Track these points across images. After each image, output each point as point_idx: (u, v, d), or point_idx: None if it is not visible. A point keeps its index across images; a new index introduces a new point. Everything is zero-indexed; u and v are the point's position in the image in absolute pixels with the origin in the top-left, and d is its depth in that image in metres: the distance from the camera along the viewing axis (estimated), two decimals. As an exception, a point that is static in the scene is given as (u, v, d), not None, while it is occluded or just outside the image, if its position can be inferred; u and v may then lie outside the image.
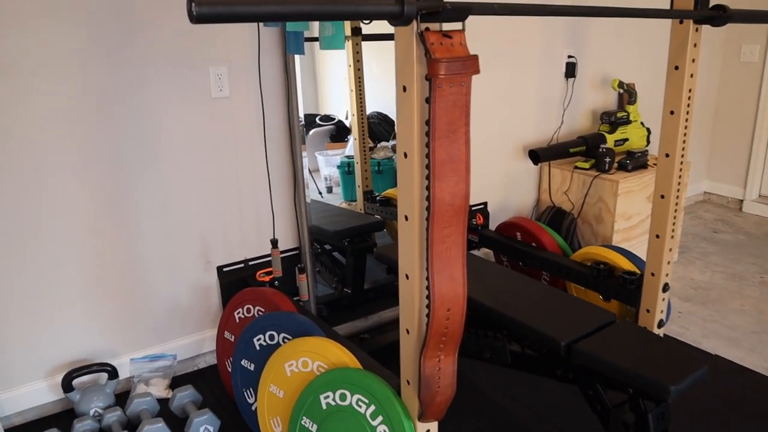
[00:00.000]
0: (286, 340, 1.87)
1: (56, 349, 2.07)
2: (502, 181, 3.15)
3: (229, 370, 2.17)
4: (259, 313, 2.06)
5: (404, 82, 1.31)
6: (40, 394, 2.05)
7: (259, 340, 1.93)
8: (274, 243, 2.18)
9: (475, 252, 3.00)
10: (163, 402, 2.11)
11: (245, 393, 1.99)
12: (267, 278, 2.27)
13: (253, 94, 2.23)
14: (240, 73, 2.19)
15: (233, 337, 2.15)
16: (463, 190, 1.34)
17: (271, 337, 1.90)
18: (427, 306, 1.41)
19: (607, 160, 2.99)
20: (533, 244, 2.74)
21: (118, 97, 1.99)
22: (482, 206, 3.07)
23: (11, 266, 1.93)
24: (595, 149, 3.15)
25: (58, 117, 1.90)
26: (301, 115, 2.36)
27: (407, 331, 1.49)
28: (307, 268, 2.36)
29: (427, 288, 1.43)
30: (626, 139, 3.26)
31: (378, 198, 3.42)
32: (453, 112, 1.29)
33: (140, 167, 2.08)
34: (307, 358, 1.75)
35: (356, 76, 3.45)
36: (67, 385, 1.98)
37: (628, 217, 3.00)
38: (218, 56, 2.13)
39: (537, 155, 3.01)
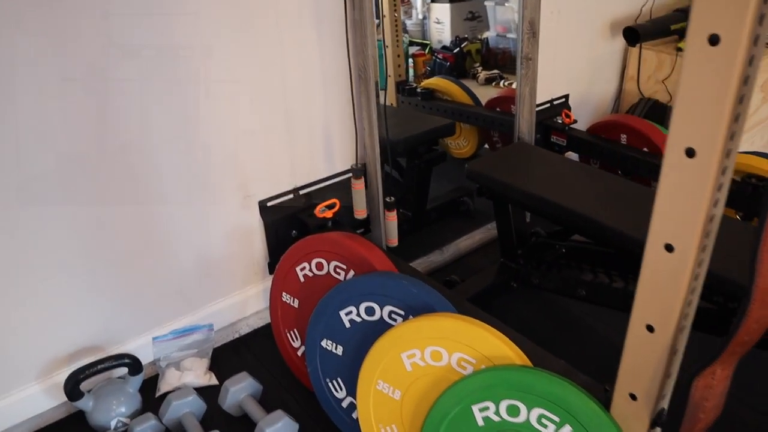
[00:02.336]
0: (395, 317, 1.30)
1: (49, 336, 1.44)
2: (586, 67, 2.51)
3: (295, 345, 1.60)
4: (338, 271, 1.46)
5: None
6: (35, 400, 1.45)
7: (349, 314, 1.35)
8: (359, 171, 1.53)
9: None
10: (207, 393, 1.54)
11: (330, 384, 1.43)
12: (329, 213, 1.65)
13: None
14: None
15: (296, 301, 1.56)
16: None
17: (370, 311, 1.32)
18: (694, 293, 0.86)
19: (723, 37, 2.36)
20: (645, 149, 2.16)
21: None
22: (563, 100, 2.44)
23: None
24: (698, 24, 2.52)
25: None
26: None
27: (649, 328, 0.93)
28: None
29: (704, 265, 0.87)
30: (729, 11, 2.62)
31: (419, 90, 2.73)
32: None
33: (150, 65, 1.36)
34: (439, 347, 1.19)
35: (390, -70, 2.65)
36: (72, 390, 1.37)
37: (742, 110, 2.43)
38: None
39: (636, 34, 2.37)
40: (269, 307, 1.61)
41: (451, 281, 1.90)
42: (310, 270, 1.51)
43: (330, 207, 1.67)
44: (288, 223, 1.72)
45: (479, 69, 3.34)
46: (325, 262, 1.48)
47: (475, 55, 3.45)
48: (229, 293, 1.72)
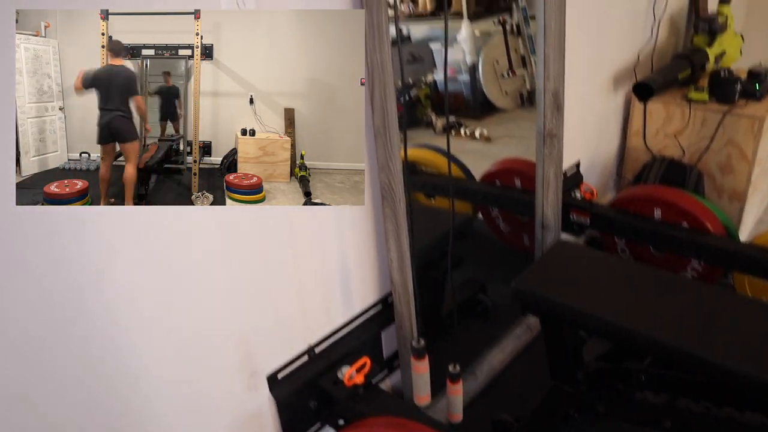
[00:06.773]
0: None
1: None
2: (594, 128, 2.24)
3: None
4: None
5: None
6: None
7: None
8: (420, 350, 1.14)
9: (570, 238, 2.11)
10: None
11: None
12: (360, 378, 1.26)
13: None
14: None
15: None
16: None
17: None
18: None
19: (738, 87, 2.16)
20: (683, 223, 1.90)
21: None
22: (576, 169, 2.16)
23: None
24: (700, 70, 2.31)
25: None
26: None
27: None
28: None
29: None
30: (723, 53, 2.43)
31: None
32: None
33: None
34: None
35: None
36: None
37: (762, 164, 2.23)
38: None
39: (650, 89, 2.12)
40: None
41: (505, 423, 1.54)
42: (359, 478, 1.11)
43: (360, 369, 1.28)
44: (305, 393, 1.31)
45: (434, 116, 3.04)
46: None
47: (425, 101, 3.15)
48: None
